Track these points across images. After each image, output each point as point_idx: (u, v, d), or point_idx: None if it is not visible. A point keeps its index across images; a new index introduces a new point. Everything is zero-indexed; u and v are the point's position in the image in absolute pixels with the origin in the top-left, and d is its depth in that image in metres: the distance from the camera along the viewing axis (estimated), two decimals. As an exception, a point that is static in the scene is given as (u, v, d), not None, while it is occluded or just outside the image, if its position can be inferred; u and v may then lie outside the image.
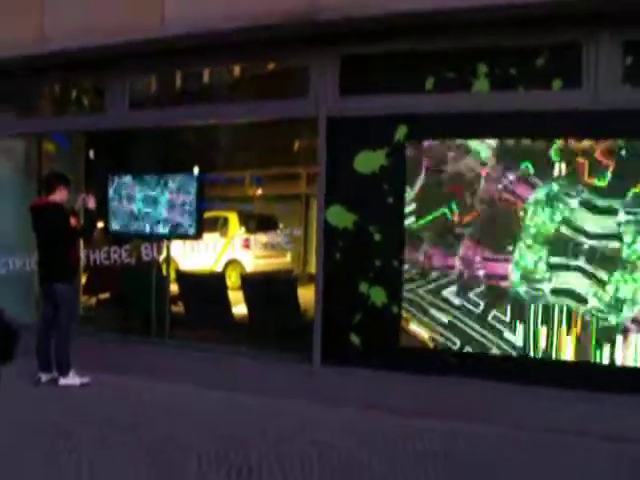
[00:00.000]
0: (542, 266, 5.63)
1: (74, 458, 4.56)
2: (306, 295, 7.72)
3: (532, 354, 5.67)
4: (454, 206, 5.87)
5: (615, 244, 5.45)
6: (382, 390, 5.89)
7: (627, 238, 5.41)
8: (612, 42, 5.41)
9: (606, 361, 5.48)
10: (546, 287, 5.63)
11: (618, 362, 5.45)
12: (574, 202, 5.54)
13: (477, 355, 5.81)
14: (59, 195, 6.58)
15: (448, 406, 5.63)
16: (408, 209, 5.99)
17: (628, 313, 5.43)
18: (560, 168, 5.59)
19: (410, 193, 5.98)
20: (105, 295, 8.79)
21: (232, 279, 11.57)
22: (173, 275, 8.36)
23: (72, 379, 6.47)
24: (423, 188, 5.96)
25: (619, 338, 5.45)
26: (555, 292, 5.61)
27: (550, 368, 5.63)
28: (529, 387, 5.53)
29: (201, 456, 4.66)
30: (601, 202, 5.48)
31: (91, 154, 9.28)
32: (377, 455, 4.78)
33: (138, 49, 6.72)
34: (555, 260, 5.60)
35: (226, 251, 13.58)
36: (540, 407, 5.38)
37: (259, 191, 15.99)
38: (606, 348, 5.48)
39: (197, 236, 7.30)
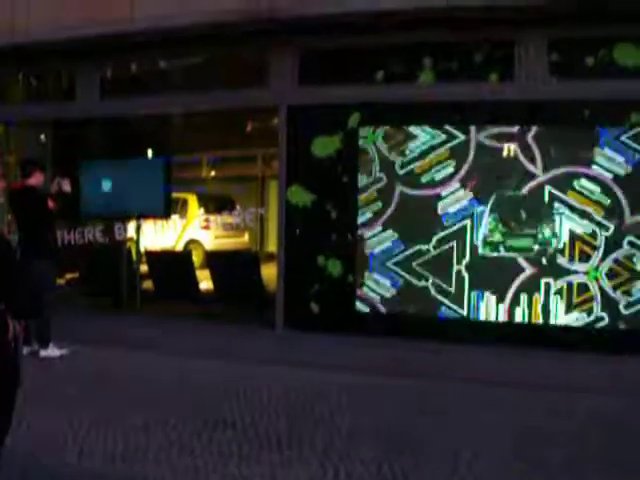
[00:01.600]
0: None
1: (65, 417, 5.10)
2: (265, 272, 8.29)
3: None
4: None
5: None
6: (338, 352, 6.54)
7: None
8: (540, 40, 6.10)
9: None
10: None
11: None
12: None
13: (426, 318, 6.47)
14: (35, 179, 7.00)
15: (398, 365, 6.32)
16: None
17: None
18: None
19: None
20: (79, 273, 9.20)
21: (193, 258, 12.02)
22: (141, 254, 8.83)
23: (52, 351, 6.93)
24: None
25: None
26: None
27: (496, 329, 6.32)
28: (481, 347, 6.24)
29: (180, 413, 5.22)
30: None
31: (57, 140, 9.65)
32: (334, 408, 5.44)
33: (107, 42, 7.15)
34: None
35: (186, 232, 14.00)
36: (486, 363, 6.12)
37: (217, 173, 16.43)
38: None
39: (166, 215, 7.84)
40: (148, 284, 8.70)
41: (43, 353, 6.90)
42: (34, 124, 9.07)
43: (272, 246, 7.41)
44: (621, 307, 6.04)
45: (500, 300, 6.31)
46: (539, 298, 6.22)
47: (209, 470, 4.14)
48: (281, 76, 6.84)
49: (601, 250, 6.08)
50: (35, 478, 3.98)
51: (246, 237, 14.91)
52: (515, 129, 6.24)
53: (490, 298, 6.33)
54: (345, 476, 4.07)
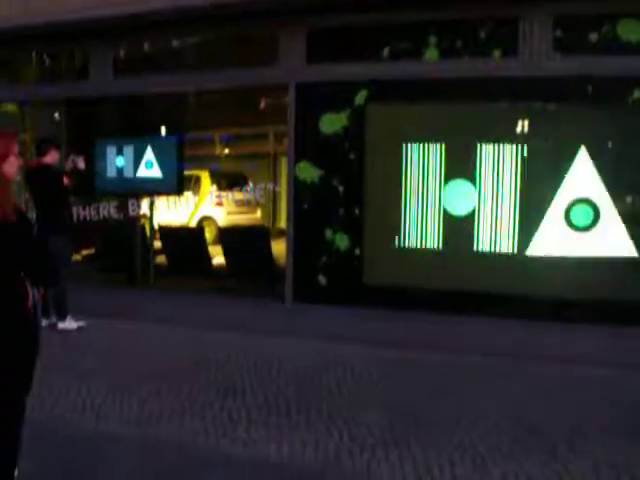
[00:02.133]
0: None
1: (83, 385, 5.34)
2: (277, 247, 8.45)
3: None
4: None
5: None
6: (345, 324, 6.73)
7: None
8: (544, 17, 6.16)
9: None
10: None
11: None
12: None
13: (434, 290, 6.62)
14: (50, 157, 7.19)
15: (403, 337, 6.50)
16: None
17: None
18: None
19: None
20: (95, 249, 9.41)
21: (207, 235, 12.19)
22: (155, 230, 9.03)
23: (69, 323, 7.17)
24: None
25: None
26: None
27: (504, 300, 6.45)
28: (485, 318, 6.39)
29: (192, 381, 5.44)
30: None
31: (71, 119, 9.82)
32: (340, 378, 5.64)
33: (121, 22, 7.29)
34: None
35: (200, 208, 14.19)
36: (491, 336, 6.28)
37: (230, 150, 16.59)
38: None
39: (179, 192, 8.02)
40: (162, 259, 8.90)
41: (61, 325, 7.14)
42: (48, 103, 9.24)
43: (284, 222, 7.57)
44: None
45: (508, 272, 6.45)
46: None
47: (219, 434, 4.36)
48: (290, 54, 6.95)
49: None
50: (54, 440, 4.21)
51: (258, 213, 15.07)
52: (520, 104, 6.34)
53: (497, 271, 6.46)
54: (349, 439, 4.26)
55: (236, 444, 4.21)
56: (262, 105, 13.71)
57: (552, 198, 6.27)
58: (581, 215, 6.24)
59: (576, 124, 6.23)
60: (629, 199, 6.16)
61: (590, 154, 6.16)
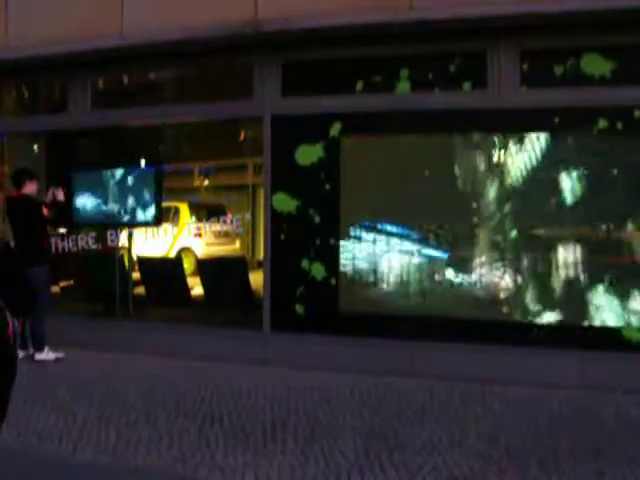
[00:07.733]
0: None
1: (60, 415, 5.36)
2: (256, 277, 8.52)
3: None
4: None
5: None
6: (322, 352, 6.81)
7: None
8: (511, 51, 6.38)
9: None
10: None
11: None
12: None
13: (408, 317, 6.74)
14: (29, 188, 7.27)
15: (379, 363, 6.60)
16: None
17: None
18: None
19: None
20: (73, 280, 9.42)
21: (185, 265, 12.23)
22: (134, 261, 9.07)
23: (47, 354, 7.18)
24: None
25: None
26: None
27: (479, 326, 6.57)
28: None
29: (170, 410, 5.48)
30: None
31: (51, 150, 9.89)
32: (317, 404, 5.71)
33: (99, 56, 7.44)
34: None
35: (178, 240, 14.22)
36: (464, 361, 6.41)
37: (209, 182, 16.69)
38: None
39: (157, 223, 8.09)
40: (140, 290, 8.93)
41: (39, 356, 7.14)
42: (28, 135, 9.30)
43: (261, 254, 7.64)
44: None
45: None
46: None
47: (197, 460, 4.40)
48: (265, 87, 7.10)
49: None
50: (28, 469, 4.23)
51: (237, 244, 15.13)
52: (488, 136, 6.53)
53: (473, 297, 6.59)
54: (325, 465, 4.32)
55: (214, 471, 4.25)
56: (241, 137, 13.88)
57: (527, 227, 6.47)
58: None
59: (547, 153, 6.41)
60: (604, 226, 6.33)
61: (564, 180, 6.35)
